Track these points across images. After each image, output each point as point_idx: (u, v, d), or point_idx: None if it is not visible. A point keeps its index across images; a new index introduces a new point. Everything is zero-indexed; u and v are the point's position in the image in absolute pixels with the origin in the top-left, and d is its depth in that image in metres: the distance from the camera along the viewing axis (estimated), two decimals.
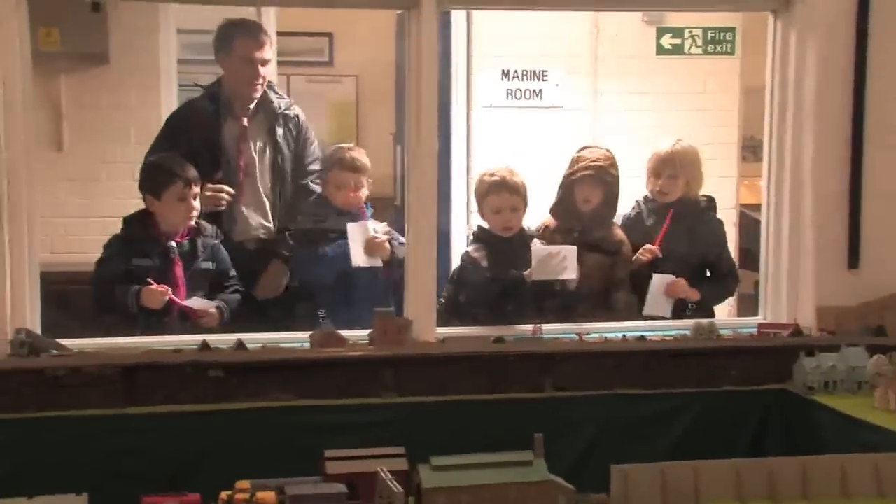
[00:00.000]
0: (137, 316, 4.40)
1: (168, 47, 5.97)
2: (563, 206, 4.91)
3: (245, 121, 4.89)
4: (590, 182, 4.84)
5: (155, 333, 4.31)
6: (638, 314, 4.84)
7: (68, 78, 5.80)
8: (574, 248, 4.68)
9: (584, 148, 5.00)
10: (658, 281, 4.85)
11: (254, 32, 4.91)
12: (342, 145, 5.09)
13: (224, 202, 4.78)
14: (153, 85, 5.91)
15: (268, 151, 4.96)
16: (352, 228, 4.75)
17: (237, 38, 4.83)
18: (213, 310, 4.51)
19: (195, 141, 4.78)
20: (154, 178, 4.55)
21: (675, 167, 4.96)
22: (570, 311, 4.72)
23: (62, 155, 5.81)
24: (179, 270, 4.50)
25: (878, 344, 4.26)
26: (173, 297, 4.41)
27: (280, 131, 4.95)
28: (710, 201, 5.09)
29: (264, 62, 4.86)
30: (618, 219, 5.01)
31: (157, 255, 4.48)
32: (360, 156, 4.93)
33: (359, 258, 4.72)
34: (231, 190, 4.80)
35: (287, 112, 5.00)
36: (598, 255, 4.85)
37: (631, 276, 4.92)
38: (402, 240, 4.66)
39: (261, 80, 4.87)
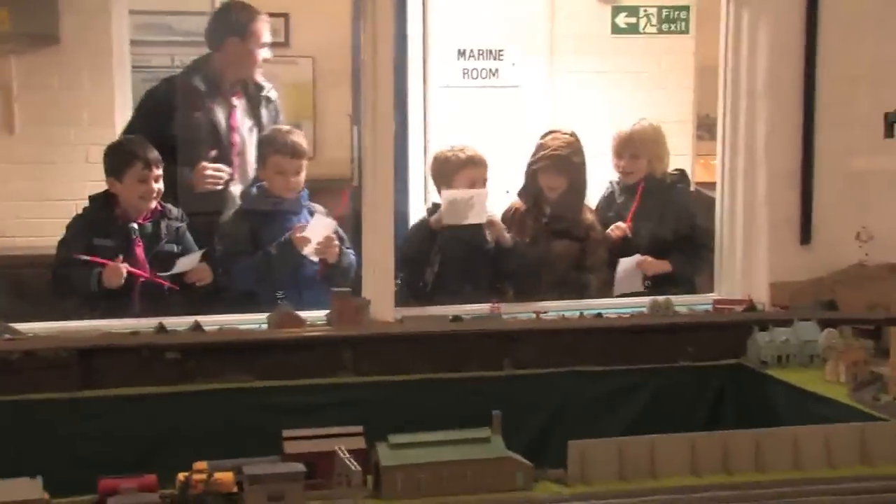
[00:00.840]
0: (99, 296, 4.35)
1: (120, 28, 5.89)
2: (529, 191, 4.92)
3: (234, 100, 4.89)
4: (553, 170, 4.87)
5: (117, 315, 4.29)
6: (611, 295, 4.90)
7: (18, 59, 5.71)
8: (485, 190, 4.67)
9: (549, 133, 5.01)
10: (625, 264, 4.90)
11: (257, 17, 4.89)
12: (280, 127, 4.95)
13: (222, 181, 4.76)
14: (106, 66, 5.83)
15: (254, 132, 4.95)
16: (317, 220, 4.69)
17: (245, 24, 4.82)
18: (201, 264, 4.49)
19: (181, 119, 4.76)
20: (115, 159, 4.52)
21: (635, 147, 5.03)
22: (534, 295, 4.75)
23: (13, 138, 5.73)
24: (140, 252, 4.48)
25: (829, 318, 4.33)
26: (131, 269, 4.36)
27: (264, 112, 4.94)
28: (682, 175, 5.15)
29: (263, 45, 4.86)
30: (593, 199, 5.05)
31: (118, 235, 4.45)
32: (301, 139, 4.80)
33: (308, 250, 4.64)
34: (229, 169, 4.79)
35: (269, 94, 5.00)
36: (566, 241, 4.89)
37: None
38: (349, 246, 4.68)
39: (259, 63, 4.86)
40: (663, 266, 4.92)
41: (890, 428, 3.20)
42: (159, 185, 4.54)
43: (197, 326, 4.11)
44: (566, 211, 4.89)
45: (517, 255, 4.78)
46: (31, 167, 5.75)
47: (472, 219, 4.63)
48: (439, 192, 4.91)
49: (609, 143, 5.17)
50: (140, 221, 4.50)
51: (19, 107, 5.71)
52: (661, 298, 4.53)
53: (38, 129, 5.76)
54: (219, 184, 4.77)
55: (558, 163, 4.84)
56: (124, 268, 4.37)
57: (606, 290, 4.93)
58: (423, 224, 4.63)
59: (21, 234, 5.49)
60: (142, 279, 4.42)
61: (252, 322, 4.24)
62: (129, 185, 4.48)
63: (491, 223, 4.73)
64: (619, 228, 4.95)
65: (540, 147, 4.92)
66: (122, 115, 5.85)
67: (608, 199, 5.10)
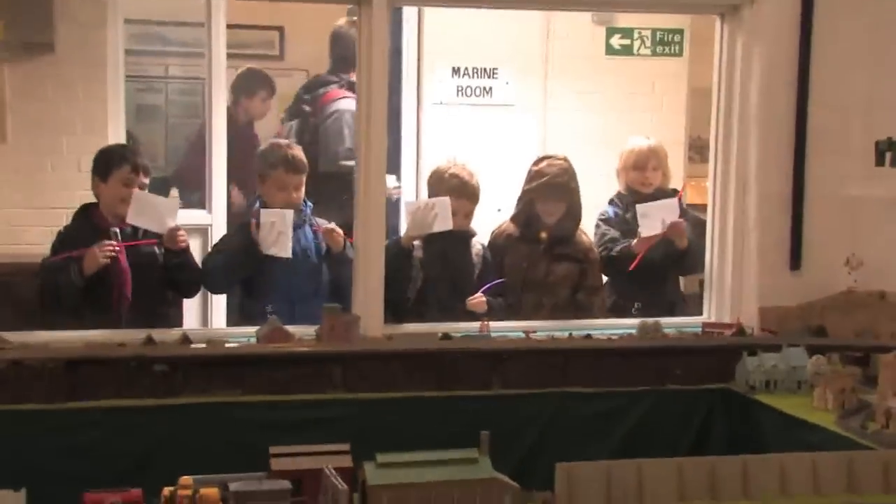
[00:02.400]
0: (85, 294, 4.30)
1: (115, 37, 5.89)
2: (524, 217, 4.92)
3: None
4: (552, 197, 4.87)
5: (104, 325, 4.25)
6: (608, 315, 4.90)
7: (12, 68, 5.69)
8: (447, 198, 4.63)
9: (542, 160, 5.00)
10: (661, 206, 4.89)
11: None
12: (280, 141, 4.92)
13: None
14: (100, 76, 5.82)
15: None
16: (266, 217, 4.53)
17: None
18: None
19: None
20: (103, 160, 4.50)
21: (658, 159, 5.14)
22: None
23: (6, 146, 5.71)
24: (122, 256, 4.41)
25: (818, 344, 4.34)
26: (109, 247, 4.30)
27: None
28: (675, 192, 5.17)
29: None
30: (591, 220, 5.06)
31: (99, 239, 4.35)
32: (300, 153, 4.75)
33: (272, 246, 4.49)
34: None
35: None
36: (567, 264, 4.89)
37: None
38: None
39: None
40: (683, 239, 4.88)
41: (877, 456, 3.19)
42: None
43: (185, 339, 4.10)
44: (563, 235, 4.90)
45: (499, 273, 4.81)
46: (23, 176, 5.73)
47: (438, 227, 4.61)
48: None
49: (603, 162, 5.19)
50: (121, 226, 4.42)
51: (12, 115, 5.69)
52: (649, 321, 4.53)
53: (30, 137, 5.74)
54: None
55: (557, 189, 4.86)
56: (105, 248, 4.28)
57: (605, 311, 4.93)
58: (395, 242, 4.62)
59: (12, 243, 5.47)
60: (124, 285, 4.36)
61: (241, 336, 4.23)
62: (113, 186, 4.42)
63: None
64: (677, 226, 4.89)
65: (536, 174, 4.91)
66: (116, 124, 5.85)
67: (616, 218, 5.09)
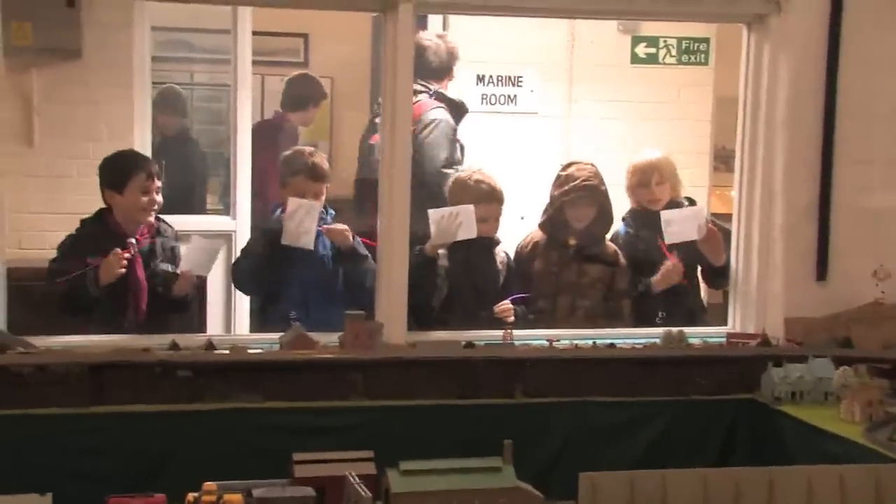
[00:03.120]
0: (101, 302, 4.30)
1: (142, 44, 5.93)
2: (555, 223, 4.90)
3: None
4: (584, 202, 4.85)
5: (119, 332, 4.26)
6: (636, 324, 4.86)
7: (40, 73, 5.73)
8: (471, 206, 4.62)
9: (570, 165, 4.98)
10: (684, 212, 4.83)
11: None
12: (303, 148, 4.93)
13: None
14: (126, 82, 5.86)
15: None
16: (293, 206, 4.53)
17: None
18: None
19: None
20: (116, 170, 4.44)
21: (661, 173, 5.01)
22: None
23: (32, 150, 5.75)
24: (141, 271, 4.41)
25: (844, 356, 4.30)
26: (126, 255, 4.28)
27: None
28: (691, 202, 5.12)
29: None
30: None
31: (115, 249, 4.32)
32: (324, 162, 4.77)
33: (294, 236, 4.51)
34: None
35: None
36: (599, 267, 4.87)
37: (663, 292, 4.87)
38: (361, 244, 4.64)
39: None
40: (719, 254, 4.79)
41: None
42: (160, 198, 4.49)
43: (209, 345, 4.11)
44: (592, 241, 4.88)
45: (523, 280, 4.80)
46: (49, 180, 5.76)
47: (463, 235, 4.60)
48: None
49: (617, 173, 5.14)
50: (138, 239, 4.41)
51: (39, 120, 5.74)
52: (674, 330, 4.50)
53: (56, 142, 5.78)
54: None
55: (589, 194, 4.83)
56: (122, 257, 4.27)
57: (631, 319, 4.90)
58: (419, 251, 4.62)
59: (36, 247, 5.50)
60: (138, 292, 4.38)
61: (264, 342, 4.23)
62: (131, 196, 4.39)
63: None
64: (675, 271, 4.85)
65: (566, 179, 4.88)
66: (141, 130, 5.88)
67: (629, 237, 5.01)
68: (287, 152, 4.96)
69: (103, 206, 4.51)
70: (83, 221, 4.53)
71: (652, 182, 4.98)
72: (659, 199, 5.00)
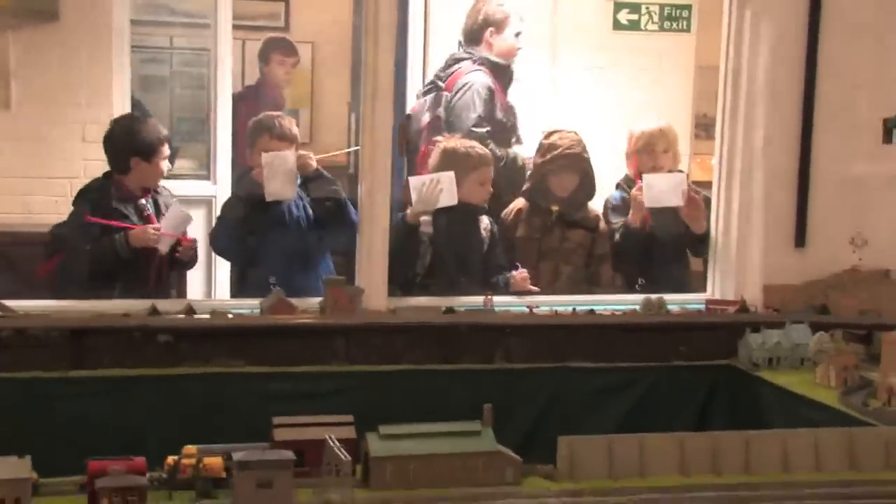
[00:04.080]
0: (126, 263, 4.41)
1: (121, 7, 5.87)
2: (537, 191, 4.92)
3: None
4: (568, 170, 4.86)
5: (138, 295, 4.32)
6: (619, 290, 4.89)
7: (17, 35, 5.67)
8: (451, 173, 4.63)
9: (553, 133, 4.99)
10: (669, 179, 4.84)
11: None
12: (271, 113, 4.91)
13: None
14: (105, 45, 5.80)
15: None
16: (267, 158, 4.52)
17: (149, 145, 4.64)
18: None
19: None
20: (149, 139, 4.57)
21: (667, 142, 5.03)
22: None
23: (9, 114, 5.70)
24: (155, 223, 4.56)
25: (821, 322, 4.34)
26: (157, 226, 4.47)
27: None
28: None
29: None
30: (599, 202, 5.04)
31: (134, 213, 4.51)
32: (291, 125, 4.75)
33: (276, 189, 4.52)
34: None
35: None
36: (581, 232, 4.89)
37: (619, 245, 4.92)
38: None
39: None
40: (700, 223, 4.82)
41: (878, 433, 3.20)
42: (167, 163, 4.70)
43: (189, 310, 4.10)
44: (576, 207, 4.89)
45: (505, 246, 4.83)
46: (27, 144, 5.72)
47: (444, 202, 4.61)
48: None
49: (610, 138, 5.15)
50: (144, 198, 4.58)
51: (16, 83, 5.68)
52: (653, 297, 4.53)
53: (34, 106, 5.73)
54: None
55: (572, 162, 4.85)
56: (151, 230, 4.46)
57: (615, 285, 4.94)
58: (401, 219, 4.62)
59: (14, 212, 5.47)
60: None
61: (244, 308, 4.23)
62: (158, 163, 4.59)
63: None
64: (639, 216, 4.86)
65: (549, 147, 4.89)
66: (121, 94, 5.83)
67: (623, 203, 5.02)
68: (256, 117, 4.95)
69: (91, 171, 4.57)
70: (86, 189, 4.56)
71: (658, 150, 5.01)
72: (662, 167, 5.00)
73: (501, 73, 5.46)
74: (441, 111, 5.35)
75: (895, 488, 2.95)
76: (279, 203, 4.60)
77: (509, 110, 5.51)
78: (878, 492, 2.92)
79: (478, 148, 4.83)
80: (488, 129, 5.24)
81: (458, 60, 5.43)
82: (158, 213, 4.62)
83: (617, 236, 4.93)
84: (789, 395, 3.94)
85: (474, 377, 4.15)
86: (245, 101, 6.51)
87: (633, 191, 4.87)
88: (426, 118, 5.41)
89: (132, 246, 4.42)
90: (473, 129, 5.22)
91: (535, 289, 4.74)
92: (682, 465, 3.02)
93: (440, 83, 5.43)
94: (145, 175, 4.59)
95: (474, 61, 5.42)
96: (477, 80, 5.36)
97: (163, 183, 4.76)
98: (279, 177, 4.50)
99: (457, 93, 5.34)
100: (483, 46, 5.46)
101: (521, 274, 4.73)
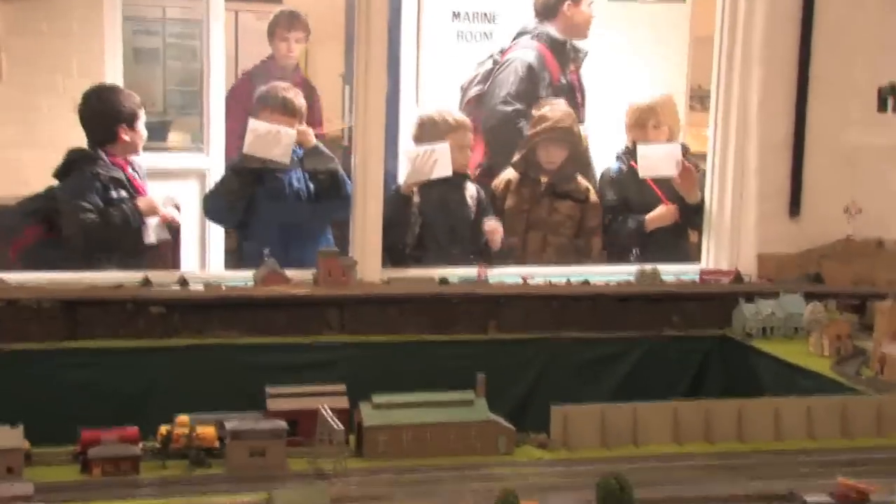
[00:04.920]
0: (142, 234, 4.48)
1: None
2: (527, 162, 4.91)
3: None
4: (556, 142, 4.86)
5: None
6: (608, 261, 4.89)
7: (6, 3, 5.62)
8: (446, 144, 4.62)
9: (544, 105, 4.98)
10: (664, 148, 4.86)
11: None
12: (277, 84, 4.92)
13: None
14: (96, 15, 5.74)
15: None
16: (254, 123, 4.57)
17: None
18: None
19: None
20: (131, 106, 4.59)
21: (658, 117, 5.00)
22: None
23: (0, 84, 5.65)
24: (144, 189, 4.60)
25: (815, 291, 4.34)
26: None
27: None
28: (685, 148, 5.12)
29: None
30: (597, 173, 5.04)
31: (126, 180, 4.52)
32: (295, 97, 4.72)
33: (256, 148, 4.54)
34: None
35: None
36: (570, 204, 4.89)
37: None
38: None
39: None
40: (693, 191, 4.82)
41: (870, 402, 3.21)
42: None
43: (183, 281, 4.10)
44: (565, 179, 4.89)
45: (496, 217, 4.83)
46: (17, 113, 5.68)
47: (438, 173, 4.60)
48: None
49: (603, 109, 5.12)
50: (125, 168, 4.58)
51: (6, 52, 5.64)
52: (648, 267, 4.53)
53: (25, 75, 5.68)
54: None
55: (561, 136, 4.84)
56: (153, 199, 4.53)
57: (604, 255, 4.93)
58: (394, 190, 4.61)
59: (4, 182, 5.44)
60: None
61: (238, 279, 4.22)
62: (140, 131, 4.60)
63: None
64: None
65: (539, 119, 4.89)
66: (113, 65, 5.78)
67: (620, 176, 5.02)
68: (263, 87, 4.92)
69: (79, 141, 4.52)
70: (74, 158, 4.53)
71: (648, 125, 4.99)
72: (654, 142, 4.98)
73: (560, 50, 5.35)
74: (485, 85, 5.30)
75: (886, 455, 2.96)
76: (277, 176, 4.60)
77: (580, 92, 5.40)
78: (870, 459, 2.93)
79: (455, 114, 4.82)
80: (518, 107, 5.16)
81: (522, 34, 5.38)
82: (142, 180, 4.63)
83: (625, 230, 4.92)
84: (783, 364, 3.95)
85: (468, 348, 4.15)
86: (256, 77, 6.42)
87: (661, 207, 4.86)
88: (474, 91, 5.36)
89: (144, 216, 4.48)
90: (499, 106, 5.18)
91: (502, 238, 4.71)
92: (676, 434, 3.03)
93: (497, 56, 5.40)
94: (130, 143, 4.58)
95: (533, 37, 5.37)
96: (519, 56, 5.28)
97: (156, 155, 4.76)
98: (271, 142, 4.49)
99: (499, 68, 5.31)
100: (558, 19, 5.35)
101: (490, 224, 4.71)
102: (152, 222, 4.56)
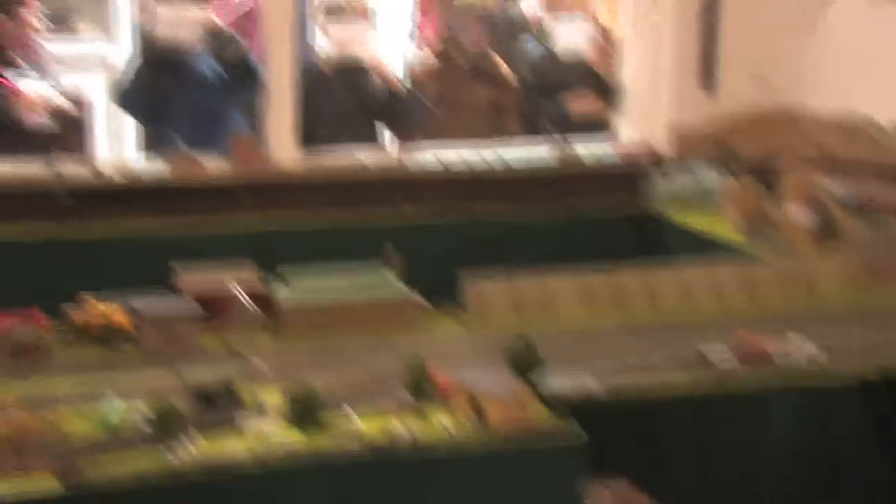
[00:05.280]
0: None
1: None
2: (449, 45, 4.87)
3: None
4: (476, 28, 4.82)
5: None
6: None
7: None
8: (366, 22, 4.59)
9: None
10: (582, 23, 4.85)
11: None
12: None
13: None
14: None
15: None
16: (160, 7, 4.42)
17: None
18: None
19: None
20: None
21: None
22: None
23: None
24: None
25: (728, 165, 4.38)
26: None
27: None
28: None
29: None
30: None
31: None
32: None
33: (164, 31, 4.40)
34: None
35: None
36: (488, 86, 4.84)
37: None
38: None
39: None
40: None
41: (778, 269, 3.29)
42: None
43: (94, 171, 3.99)
44: (484, 62, 4.87)
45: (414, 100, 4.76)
46: None
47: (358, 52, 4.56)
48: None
49: None
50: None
51: None
52: (562, 145, 4.52)
53: None
54: None
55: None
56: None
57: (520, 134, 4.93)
58: (315, 70, 4.54)
59: None
60: None
61: (150, 169, 4.13)
62: (27, 19, 4.44)
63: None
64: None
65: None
66: None
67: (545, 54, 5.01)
68: None
69: None
70: None
71: None
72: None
73: None
74: None
75: (791, 318, 3.05)
76: (186, 62, 4.47)
77: None
78: (777, 327, 3.01)
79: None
80: None
81: None
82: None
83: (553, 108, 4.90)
84: (696, 236, 4.01)
85: (385, 230, 4.12)
86: None
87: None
88: None
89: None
90: None
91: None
92: (587, 304, 3.07)
93: None
94: (19, 35, 4.41)
95: None
96: None
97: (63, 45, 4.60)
98: (174, 30, 4.37)
99: None
100: None
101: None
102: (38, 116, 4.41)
